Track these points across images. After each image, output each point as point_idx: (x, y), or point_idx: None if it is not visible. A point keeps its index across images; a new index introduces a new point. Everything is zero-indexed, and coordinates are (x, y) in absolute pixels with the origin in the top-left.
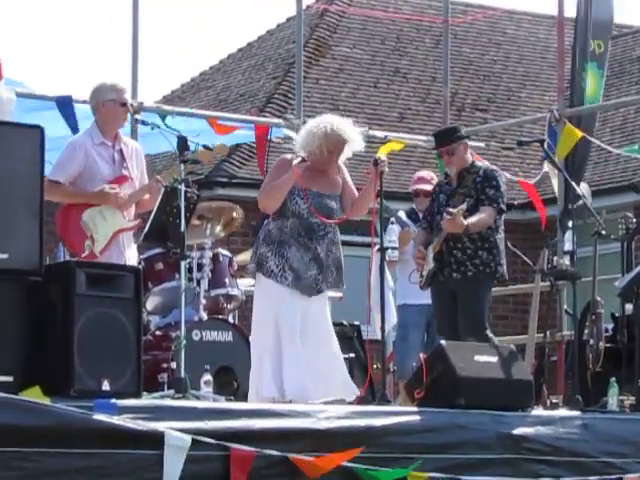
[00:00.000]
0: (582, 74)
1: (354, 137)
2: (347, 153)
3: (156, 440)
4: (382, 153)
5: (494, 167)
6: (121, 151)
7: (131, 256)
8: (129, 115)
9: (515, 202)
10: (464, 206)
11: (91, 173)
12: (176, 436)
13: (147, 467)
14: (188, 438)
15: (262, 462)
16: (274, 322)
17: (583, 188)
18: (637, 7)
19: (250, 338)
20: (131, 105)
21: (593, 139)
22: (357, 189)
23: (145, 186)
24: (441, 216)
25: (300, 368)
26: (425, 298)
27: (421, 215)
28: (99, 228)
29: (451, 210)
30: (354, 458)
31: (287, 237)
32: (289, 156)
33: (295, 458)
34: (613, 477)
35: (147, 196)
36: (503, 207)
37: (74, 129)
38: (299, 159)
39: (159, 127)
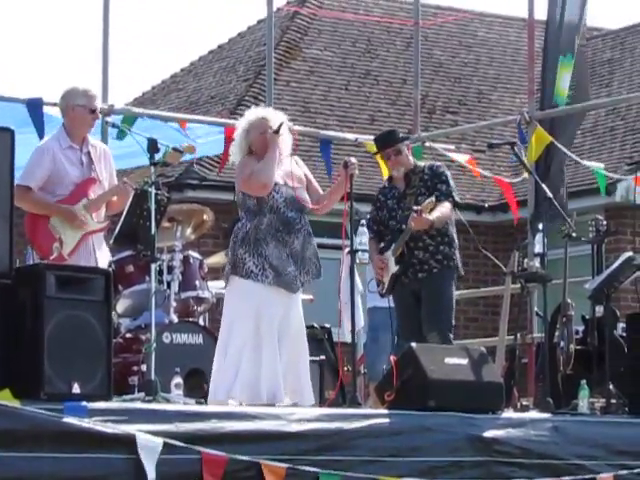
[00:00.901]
0: (555, 74)
1: (269, 112)
2: (284, 134)
3: (127, 443)
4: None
5: (437, 162)
6: (89, 153)
7: (102, 258)
8: (100, 117)
9: (486, 204)
10: (432, 199)
11: (59, 176)
12: (147, 438)
13: (118, 471)
14: (159, 440)
15: (236, 465)
16: (253, 323)
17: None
18: (607, 10)
19: (219, 338)
20: (100, 112)
21: (560, 145)
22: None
23: (113, 188)
24: (395, 221)
25: (277, 371)
26: None
27: (366, 224)
28: (67, 230)
29: (417, 207)
30: (322, 461)
31: (264, 234)
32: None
33: (265, 464)
34: (586, 477)
35: (115, 198)
36: (458, 200)
37: (40, 134)
38: (270, 132)
39: (129, 129)
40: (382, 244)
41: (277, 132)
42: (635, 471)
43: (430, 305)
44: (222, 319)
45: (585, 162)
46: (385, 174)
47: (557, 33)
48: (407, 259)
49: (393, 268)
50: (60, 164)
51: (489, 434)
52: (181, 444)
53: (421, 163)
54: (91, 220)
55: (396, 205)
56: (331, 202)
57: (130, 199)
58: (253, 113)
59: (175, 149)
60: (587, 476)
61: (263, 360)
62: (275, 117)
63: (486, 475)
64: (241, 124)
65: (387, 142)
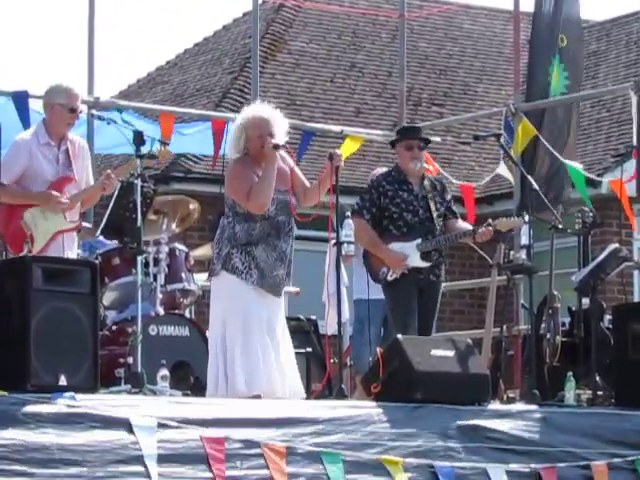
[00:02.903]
0: (548, 68)
1: (272, 113)
2: (280, 135)
3: (123, 424)
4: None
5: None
6: (67, 151)
7: (72, 257)
8: (86, 109)
9: None
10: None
11: (34, 173)
12: (141, 419)
13: (119, 447)
14: (154, 420)
15: (237, 444)
16: (242, 317)
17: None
18: (593, 2)
19: (210, 334)
20: (86, 104)
21: (543, 140)
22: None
23: (90, 187)
24: (415, 216)
25: (271, 364)
26: (382, 293)
27: (360, 203)
28: (39, 227)
29: (493, 223)
30: (321, 444)
31: (255, 238)
32: (238, 157)
33: (265, 444)
34: (581, 463)
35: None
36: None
37: (26, 126)
38: (270, 146)
39: (115, 122)
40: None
41: (277, 148)
42: (629, 459)
43: (434, 312)
44: (211, 314)
45: (567, 161)
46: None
47: (543, 26)
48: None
49: (417, 262)
50: (36, 160)
51: (479, 423)
52: (176, 424)
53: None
54: (63, 219)
55: (415, 201)
56: (318, 193)
57: (116, 192)
58: (253, 110)
59: (165, 143)
60: (581, 463)
61: (257, 356)
62: (276, 119)
63: (482, 460)
64: (239, 119)
65: (418, 133)
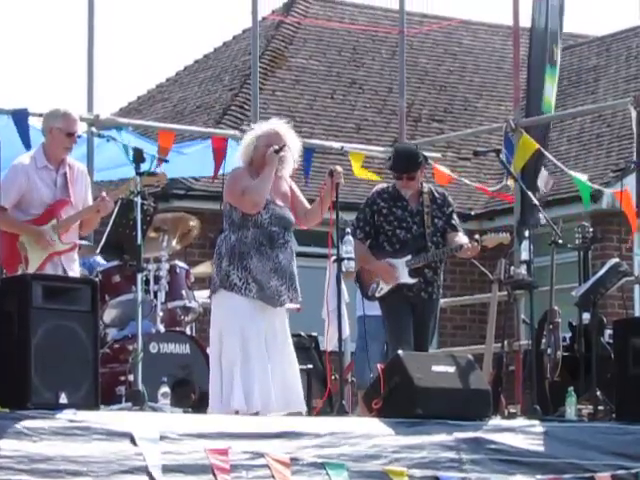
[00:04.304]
0: (542, 82)
1: (287, 131)
2: (290, 156)
3: (126, 436)
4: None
5: (439, 188)
6: (65, 175)
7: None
8: (86, 127)
9: (472, 212)
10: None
11: (32, 196)
12: (144, 431)
13: (122, 458)
14: (156, 432)
15: (241, 455)
16: (240, 335)
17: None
18: (592, 17)
19: (210, 351)
20: (86, 122)
21: (546, 152)
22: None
23: (85, 209)
24: (408, 232)
25: (268, 382)
26: None
27: (355, 223)
28: (34, 249)
29: (480, 239)
30: (325, 455)
31: (248, 248)
32: (240, 166)
33: (269, 454)
34: (585, 475)
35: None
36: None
37: (27, 145)
38: (272, 150)
39: (115, 139)
40: (372, 246)
41: (277, 152)
42: (633, 471)
43: (428, 329)
44: (211, 331)
45: (571, 172)
46: (357, 173)
47: (541, 41)
48: (418, 274)
49: (405, 278)
50: (33, 184)
51: (482, 435)
52: (179, 436)
53: (425, 184)
54: (58, 241)
55: (409, 218)
56: (320, 212)
57: (116, 210)
58: (270, 123)
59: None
60: (585, 475)
61: (255, 374)
62: (289, 137)
63: (486, 471)
64: (255, 128)
65: (408, 170)
